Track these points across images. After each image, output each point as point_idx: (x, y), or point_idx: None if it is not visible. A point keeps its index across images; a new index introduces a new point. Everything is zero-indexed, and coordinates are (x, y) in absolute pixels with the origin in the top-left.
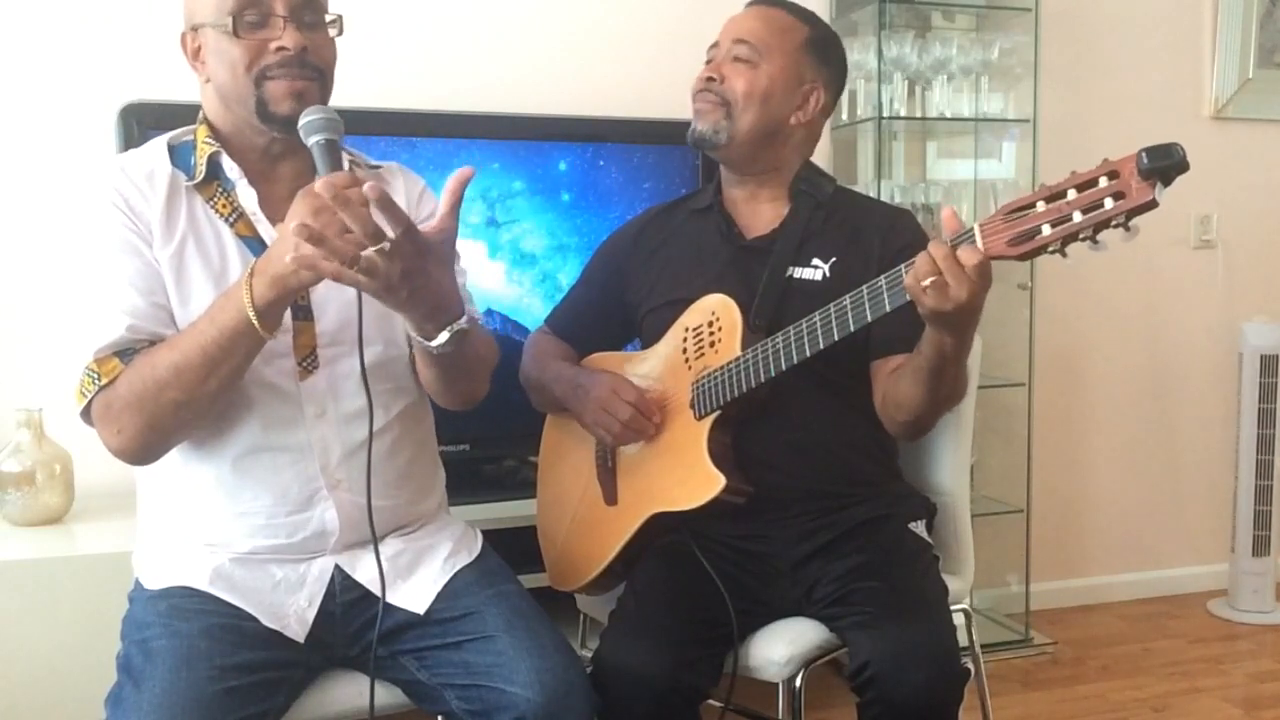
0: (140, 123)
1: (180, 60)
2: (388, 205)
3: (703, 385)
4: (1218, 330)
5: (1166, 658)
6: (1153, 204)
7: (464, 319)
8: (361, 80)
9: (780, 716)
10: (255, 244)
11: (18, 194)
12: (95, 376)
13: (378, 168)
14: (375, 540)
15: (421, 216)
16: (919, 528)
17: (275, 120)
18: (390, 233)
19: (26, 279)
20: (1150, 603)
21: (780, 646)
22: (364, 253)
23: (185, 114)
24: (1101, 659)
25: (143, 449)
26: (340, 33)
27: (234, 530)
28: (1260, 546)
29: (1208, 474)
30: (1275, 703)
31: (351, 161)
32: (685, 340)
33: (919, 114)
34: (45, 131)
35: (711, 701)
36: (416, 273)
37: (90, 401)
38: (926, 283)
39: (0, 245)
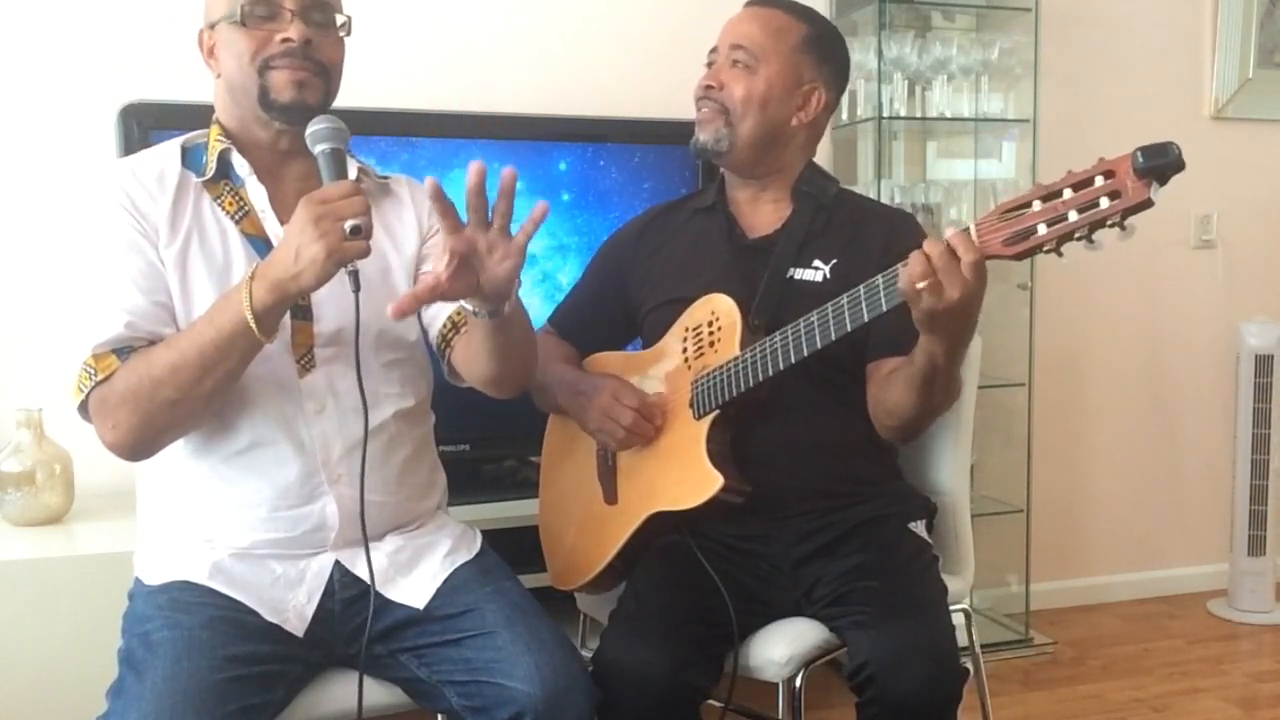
0: (140, 123)
1: (181, 60)
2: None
3: (702, 385)
4: (1217, 330)
5: (1166, 658)
6: (1148, 203)
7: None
8: (362, 80)
9: (780, 716)
10: (260, 243)
11: (18, 194)
12: (92, 372)
13: (386, 179)
14: (365, 532)
15: (434, 228)
16: (919, 528)
17: (275, 108)
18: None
19: (26, 279)
20: (1150, 603)
21: (780, 646)
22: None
23: (185, 114)
24: (1101, 659)
25: (136, 445)
26: (348, 34)
27: (235, 523)
28: (1259, 546)
29: (1207, 474)
30: (1275, 703)
31: (360, 170)
32: (685, 340)
33: (919, 114)
34: (45, 132)
35: (711, 701)
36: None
37: (86, 396)
38: (922, 285)
39: (0, 245)
